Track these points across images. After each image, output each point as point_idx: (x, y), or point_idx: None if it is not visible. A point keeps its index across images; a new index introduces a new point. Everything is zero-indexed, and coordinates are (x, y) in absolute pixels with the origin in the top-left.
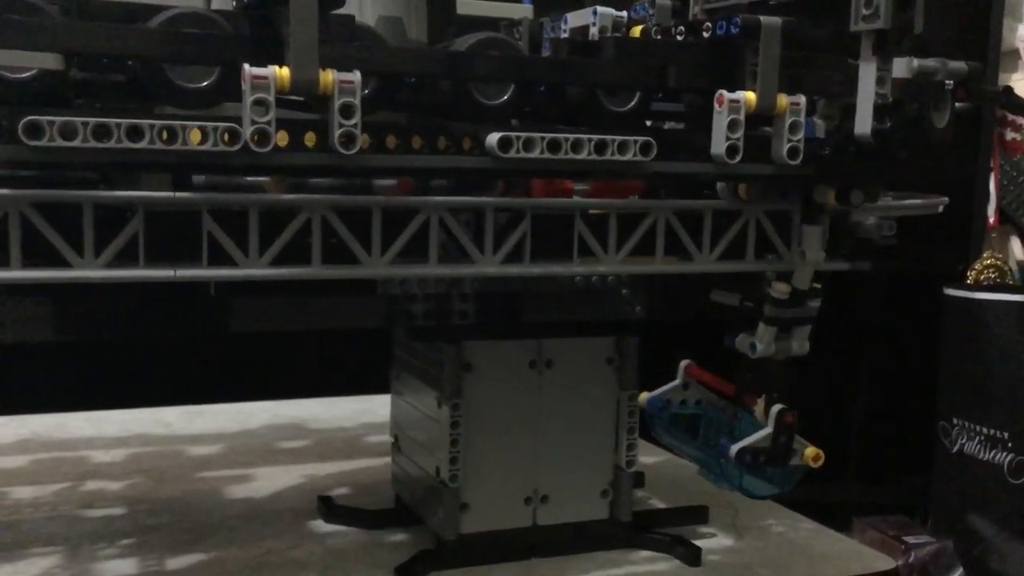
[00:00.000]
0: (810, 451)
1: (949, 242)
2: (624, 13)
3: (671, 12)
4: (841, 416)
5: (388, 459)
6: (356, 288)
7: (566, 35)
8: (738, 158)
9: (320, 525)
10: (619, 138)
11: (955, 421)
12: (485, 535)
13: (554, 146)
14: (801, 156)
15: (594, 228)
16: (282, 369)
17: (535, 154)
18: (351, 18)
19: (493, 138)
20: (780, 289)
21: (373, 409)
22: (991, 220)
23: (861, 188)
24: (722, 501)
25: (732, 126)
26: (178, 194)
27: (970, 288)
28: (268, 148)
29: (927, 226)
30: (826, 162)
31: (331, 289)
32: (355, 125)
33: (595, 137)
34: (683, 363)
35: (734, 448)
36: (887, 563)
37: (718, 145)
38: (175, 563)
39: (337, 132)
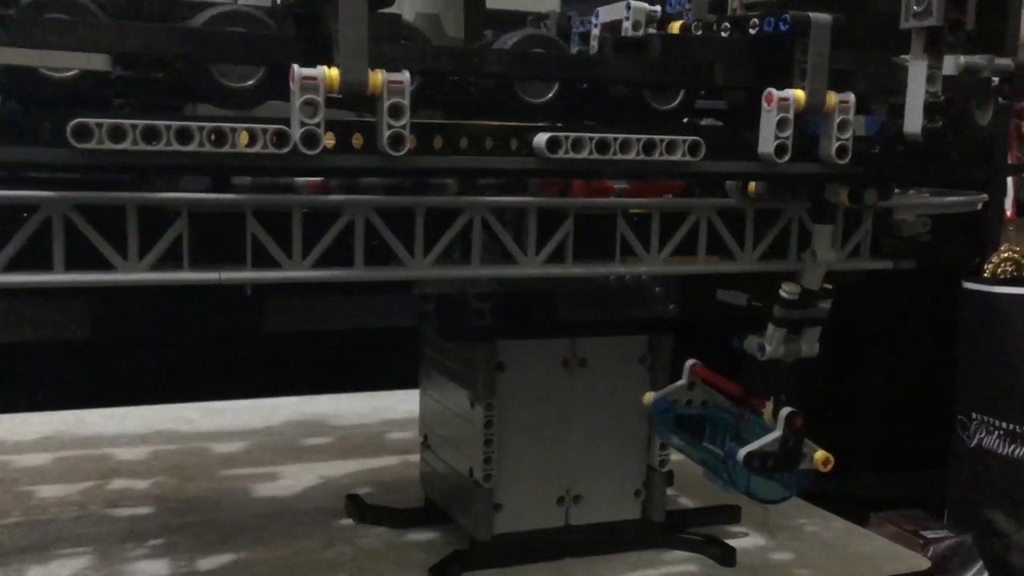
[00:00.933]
0: (819, 455)
1: (966, 236)
2: (658, 7)
3: (708, 7)
4: (856, 410)
5: (412, 457)
6: (386, 287)
7: (597, 29)
8: (787, 157)
9: (349, 524)
10: (667, 138)
11: (973, 415)
12: (518, 535)
13: (603, 146)
14: (849, 155)
15: (635, 227)
16: (302, 365)
17: (583, 155)
18: (398, 17)
19: (541, 138)
20: (790, 290)
21: (393, 405)
22: (1008, 213)
23: (875, 187)
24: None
25: (781, 125)
26: (223, 195)
27: (987, 282)
28: (317, 150)
29: (944, 220)
30: (876, 161)
31: (362, 288)
32: (404, 126)
33: (644, 137)
34: (688, 363)
35: (742, 452)
36: (922, 562)
37: (766, 144)
38: (206, 564)
39: (386, 133)
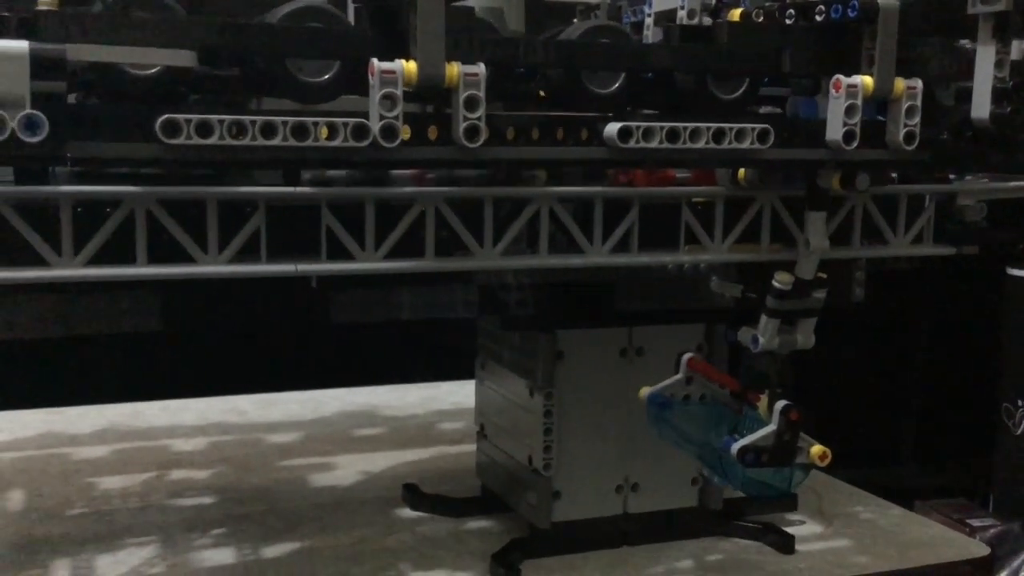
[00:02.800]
0: (816, 449)
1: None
2: None
3: None
4: (899, 399)
5: (463, 447)
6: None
7: (650, 18)
8: (855, 144)
9: (407, 513)
10: (736, 126)
11: (1019, 403)
12: (577, 523)
13: (672, 135)
14: (917, 141)
15: (699, 215)
16: (348, 357)
17: (654, 144)
18: (471, 9)
19: (613, 128)
20: (783, 280)
21: (440, 396)
22: None
23: (868, 172)
24: (804, 487)
25: (849, 111)
26: (299, 188)
27: None
28: (395, 143)
29: (993, 206)
30: (943, 147)
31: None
32: (479, 118)
33: (713, 126)
34: (685, 356)
35: (735, 446)
36: (981, 549)
37: (834, 131)
38: (270, 552)
39: (462, 125)
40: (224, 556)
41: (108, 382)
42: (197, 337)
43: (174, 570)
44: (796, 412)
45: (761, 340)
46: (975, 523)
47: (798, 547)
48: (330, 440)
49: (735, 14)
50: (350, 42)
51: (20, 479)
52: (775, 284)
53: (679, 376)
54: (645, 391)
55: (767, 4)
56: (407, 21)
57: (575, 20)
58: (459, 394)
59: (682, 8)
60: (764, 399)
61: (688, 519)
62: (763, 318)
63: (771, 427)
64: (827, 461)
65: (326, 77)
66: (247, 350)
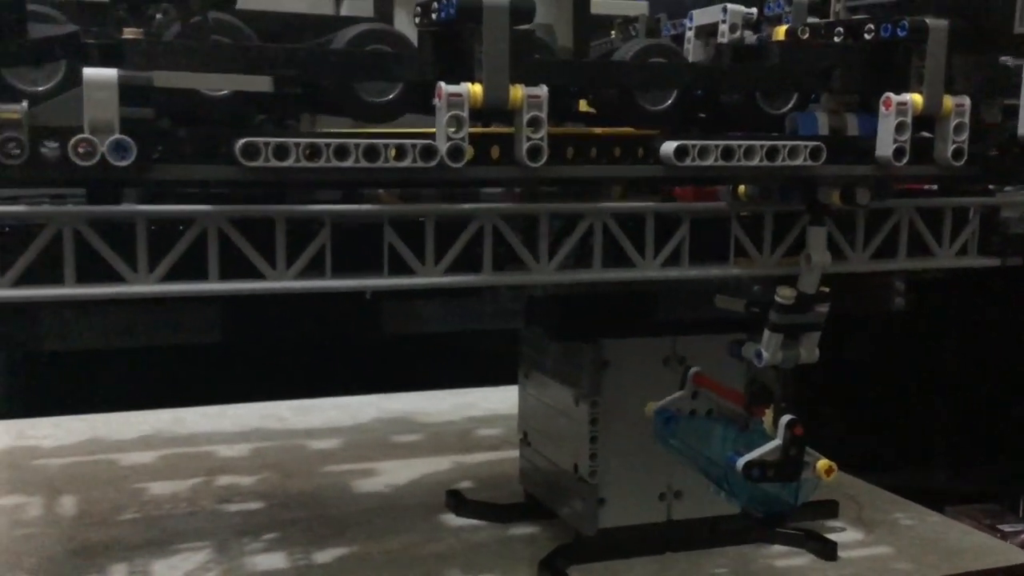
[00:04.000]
0: (822, 464)
1: None
2: (754, 9)
3: (808, 9)
4: (931, 404)
5: (502, 453)
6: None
7: (691, 32)
8: (905, 160)
9: (451, 519)
10: (790, 143)
11: None
12: (621, 530)
13: (727, 153)
14: (965, 157)
15: (747, 229)
16: (383, 363)
17: (709, 162)
18: (532, 32)
19: (669, 147)
20: (785, 294)
21: (474, 403)
22: None
23: (867, 187)
24: (843, 495)
25: (899, 128)
26: (363, 206)
27: None
28: (462, 163)
29: None
30: (991, 163)
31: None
32: (542, 138)
33: (766, 144)
34: (691, 371)
35: (740, 461)
36: (1021, 556)
37: (884, 147)
38: (321, 557)
39: (525, 145)
40: (276, 561)
41: (147, 388)
42: (239, 345)
43: (228, 575)
44: (800, 426)
45: (765, 355)
46: (1006, 528)
47: (840, 554)
48: (370, 446)
49: (780, 31)
50: (414, 65)
51: (71, 485)
52: (777, 299)
53: (685, 391)
54: (652, 406)
55: (812, 21)
56: (469, 44)
57: (612, 32)
58: (491, 400)
59: (723, 22)
60: (769, 413)
61: (731, 526)
62: (766, 333)
63: (776, 442)
64: (833, 475)
65: (389, 97)
66: (282, 357)
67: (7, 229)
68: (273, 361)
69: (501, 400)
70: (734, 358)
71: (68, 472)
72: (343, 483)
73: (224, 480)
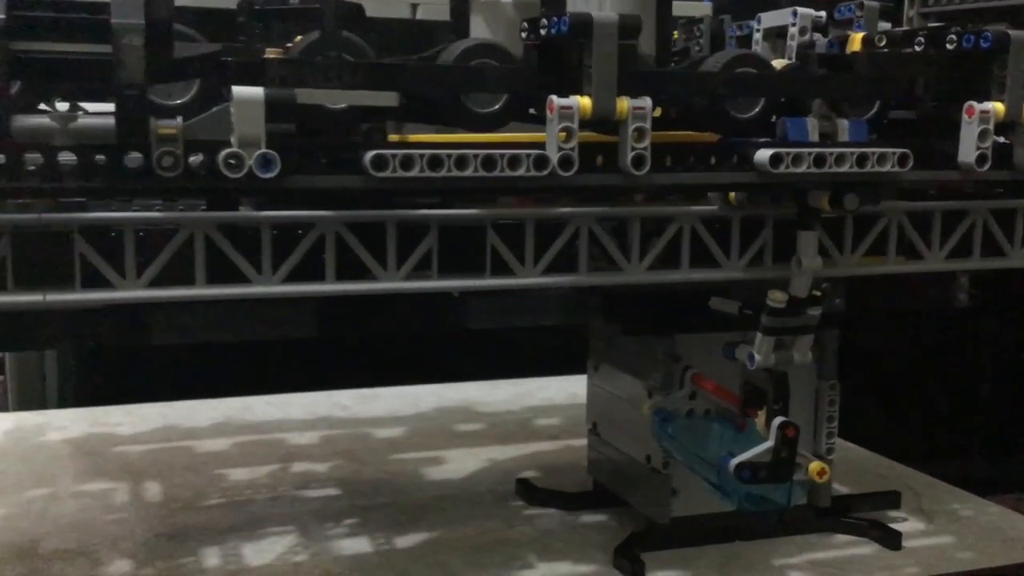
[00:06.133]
0: (814, 466)
1: None
2: (823, 13)
3: (879, 14)
4: (970, 394)
5: (565, 442)
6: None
7: (759, 33)
8: (987, 166)
9: (522, 506)
10: (878, 150)
11: None
12: (692, 519)
13: (819, 160)
14: None
15: (828, 230)
16: (440, 353)
17: (802, 169)
18: (635, 47)
19: (764, 154)
20: (776, 298)
21: (531, 392)
22: None
23: (856, 192)
24: (903, 485)
25: (982, 136)
26: (468, 211)
27: None
28: (572, 172)
29: None
30: None
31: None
32: (645, 148)
33: (856, 151)
34: (690, 371)
35: (732, 462)
36: None
37: (967, 154)
38: (402, 542)
39: (630, 155)
40: (359, 545)
41: (212, 377)
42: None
43: (317, 558)
44: (792, 428)
45: (757, 358)
46: None
47: (903, 543)
48: (434, 435)
49: (856, 39)
50: (521, 78)
51: (152, 471)
52: (769, 303)
53: (683, 392)
54: (650, 405)
55: (888, 29)
56: (576, 57)
57: (676, 34)
58: (549, 390)
59: (793, 25)
60: (762, 415)
61: (797, 516)
62: (758, 336)
63: (768, 444)
64: (825, 478)
65: (495, 108)
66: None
67: (142, 234)
68: (331, 351)
69: (558, 390)
70: (728, 359)
71: (148, 458)
72: (413, 470)
73: (299, 467)
